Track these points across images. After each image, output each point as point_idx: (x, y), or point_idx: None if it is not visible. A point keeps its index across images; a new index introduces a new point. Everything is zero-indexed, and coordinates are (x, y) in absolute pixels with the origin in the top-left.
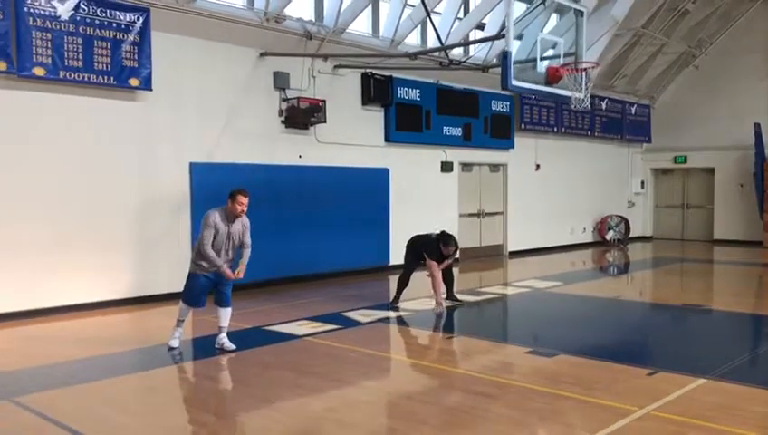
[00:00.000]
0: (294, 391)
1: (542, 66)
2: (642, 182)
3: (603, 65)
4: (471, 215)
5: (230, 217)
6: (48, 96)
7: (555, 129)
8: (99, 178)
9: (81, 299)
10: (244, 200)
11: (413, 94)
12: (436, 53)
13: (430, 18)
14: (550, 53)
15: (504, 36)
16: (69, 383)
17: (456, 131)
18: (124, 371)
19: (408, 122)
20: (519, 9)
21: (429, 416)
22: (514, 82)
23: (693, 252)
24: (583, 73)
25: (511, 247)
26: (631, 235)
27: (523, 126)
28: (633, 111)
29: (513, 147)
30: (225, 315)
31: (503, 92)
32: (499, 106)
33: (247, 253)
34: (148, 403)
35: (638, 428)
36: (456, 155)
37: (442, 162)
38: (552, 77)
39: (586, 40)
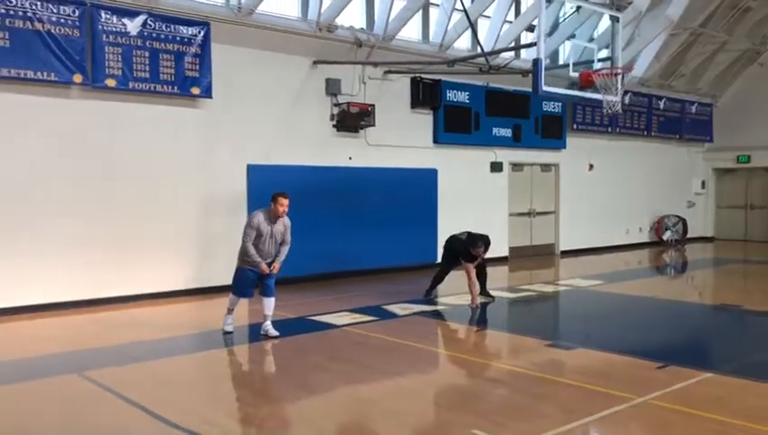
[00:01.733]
0: (326, 374)
1: (576, 71)
2: (703, 182)
3: (660, 65)
4: (521, 214)
5: (272, 218)
6: (119, 105)
7: (609, 129)
8: (164, 179)
9: (148, 289)
10: (285, 202)
11: (462, 97)
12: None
13: (473, 27)
14: (603, 53)
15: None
16: (133, 361)
17: (506, 132)
18: (181, 352)
19: (456, 124)
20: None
21: (439, 396)
22: (545, 88)
23: (753, 253)
24: (618, 77)
25: (563, 247)
26: (692, 235)
27: (575, 126)
28: (693, 110)
29: (565, 147)
30: (270, 305)
31: None
32: (550, 107)
33: (285, 250)
34: (198, 380)
35: (630, 413)
36: (506, 155)
37: (492, 162)
38: (585, 82)
39: (642, 40)
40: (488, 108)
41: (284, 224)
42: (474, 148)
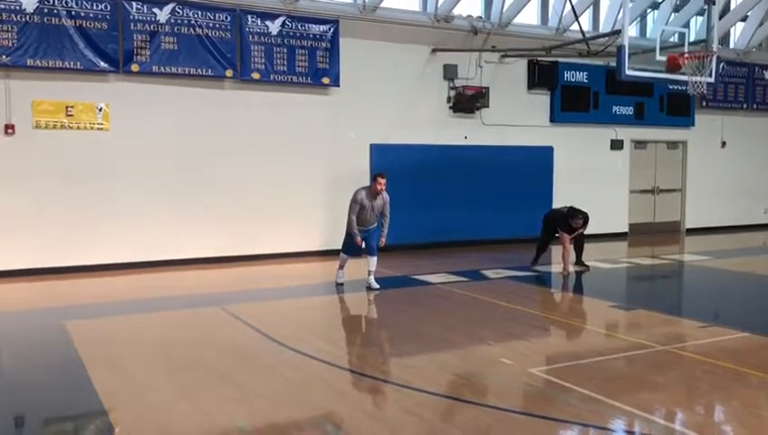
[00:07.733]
0: (404, 317)
1: (663, 54)
2: None
3: None
4: (644, 191)
5: (373, 194)
6: (262, 94)
7: (745, 105)
8: (299, 156)
9: (282, 250)
10: (382, 181)
11: (580, 77)
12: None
13: (574, 11)
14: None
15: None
16: (260, 300)
17: (628, 111)
18: (298, 296)
19: (574, 103)
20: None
21: (495, 342)
22: (628, 72)
23: None
24: (711, 59)
25: (689, 224)
26: None
27: (705, 103)
28: None
29: (693, 124)
30: (372, 262)
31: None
32: (677, 84)
33: (386, 222)
34: (307, 316)
35: (645, 354)
36: (628, 133)
37: (612, 140)
38: (673, 65)
39: None
40: (608, 87)
41: (383, 199)
42: (592, 126)
